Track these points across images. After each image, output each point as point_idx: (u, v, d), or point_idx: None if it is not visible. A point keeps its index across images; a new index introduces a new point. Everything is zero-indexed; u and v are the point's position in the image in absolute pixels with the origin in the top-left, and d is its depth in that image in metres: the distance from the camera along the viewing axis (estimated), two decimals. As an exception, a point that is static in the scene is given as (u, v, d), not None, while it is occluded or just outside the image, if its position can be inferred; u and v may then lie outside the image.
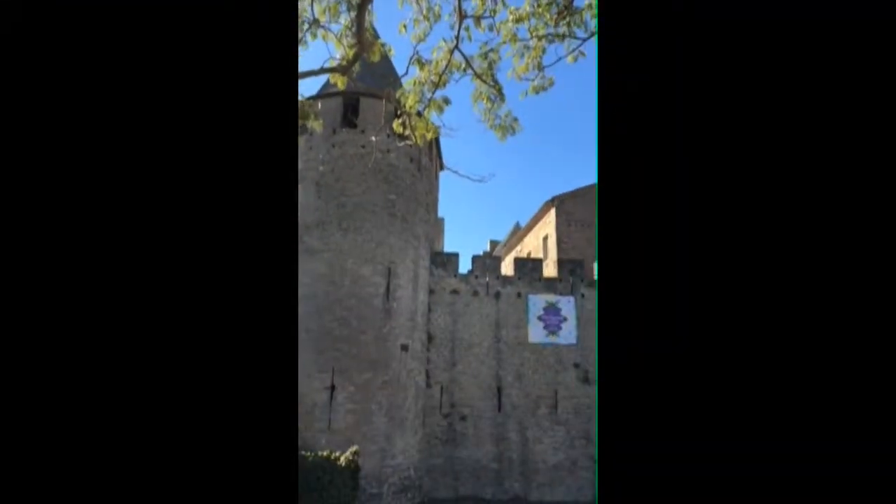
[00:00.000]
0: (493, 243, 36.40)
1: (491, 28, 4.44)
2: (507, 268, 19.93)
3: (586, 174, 76.79)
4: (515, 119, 5.15)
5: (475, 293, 17.40)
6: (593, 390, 16.97)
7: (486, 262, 18.05)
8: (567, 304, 17.62)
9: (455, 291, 17.31)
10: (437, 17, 4.21)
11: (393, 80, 13.49)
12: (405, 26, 4.30)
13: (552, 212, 21.00)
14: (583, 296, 17.77)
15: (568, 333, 17.36)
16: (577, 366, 17.09)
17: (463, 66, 4.60)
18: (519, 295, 17.49)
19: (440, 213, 21.78)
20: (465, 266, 17.66)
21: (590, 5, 4.27)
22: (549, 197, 22.06)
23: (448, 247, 28.83)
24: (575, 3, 4.33)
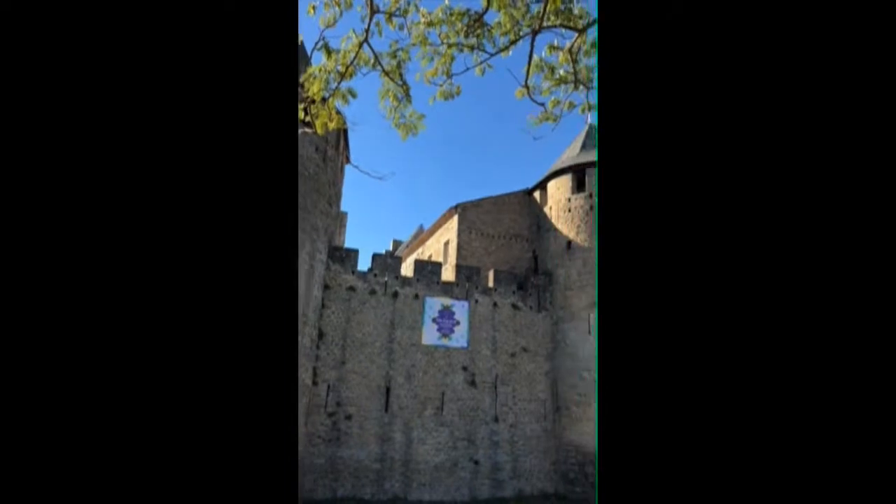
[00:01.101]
0: (396, 243, 36.34)
1: (402, 28, 4.41)
2: (407, 269, 19.98)
3: (492, 185, 79.49)
4: (420, 117, 5.16)
5: (373, 292, 17.21)
6: (478, 393, 17.55)
7: (388, 262, 17.95)
8: (461, 309, 18.06)
9: (352, 288, 16.99)
10: (349, 6, 4.09)
11: (302, 63, 12.93)
12: (314, 8, 4.14)
13: (455, 218, 21.45)
14: (476, 301, 18.33)
15: (460, 337, 17.79)
16: (465, 369, 17.57)
17: (372, 61, 4.53)
18: (416, 296, 17.60)
19: (345, 208, 21.26)
20: (364, 264, 17.38)
21: (499, 23, 4.40)
22: (454, 203, 22.51)
23: (349, 243, 28.14)
24: (485, 18, 4.44)
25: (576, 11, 4.37)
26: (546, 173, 21.50)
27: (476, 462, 16.80)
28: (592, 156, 20.41)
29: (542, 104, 5.08)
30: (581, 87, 5.00)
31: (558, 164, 21.32)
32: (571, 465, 17.43)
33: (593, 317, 18.36)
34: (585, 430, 17.47)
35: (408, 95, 4.96)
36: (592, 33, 4.80)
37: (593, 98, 5.10)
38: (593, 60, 4.90)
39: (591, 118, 19.41)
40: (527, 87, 4.89)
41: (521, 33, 4.45)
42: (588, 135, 21.74)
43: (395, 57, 4.44)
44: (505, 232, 21.54)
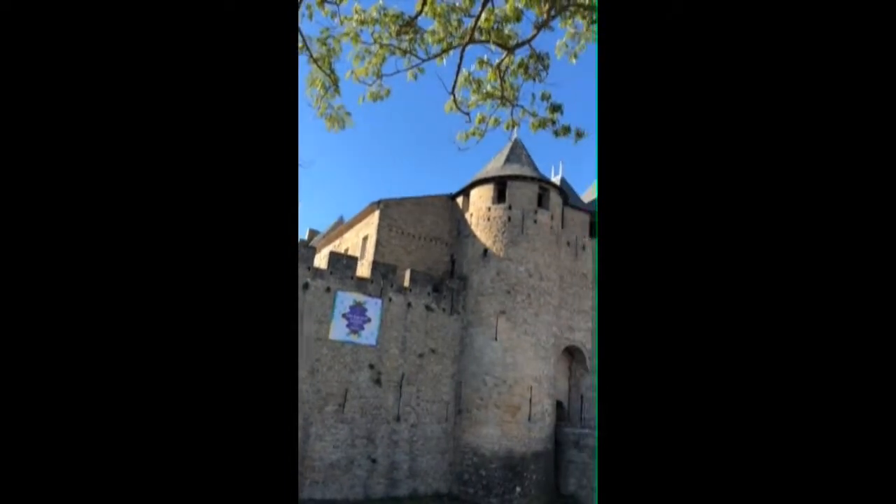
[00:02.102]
0: (313, 232, 35.29)
1: (334, 16, 4.34)
2: (321, 260, 19.48)
3: (415, 189, 79.69)
4: (348, 113, 5.10)
5: (282, 281, 16.59)
6: (383, 392, 17.52)
7: (301, 252, 17.40)
8: (374, 306, 17.93)
9: (260, 276, 16.27)
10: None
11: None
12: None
13: (376, 214, 21.27)
14: (390, 300, 18.29)
15: (369, 334, 17.65)
16: (371, 367, 17.45)
17: (300, 45, 4.41)
18: (328, 289, 17.23)
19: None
20: (276, 251, 16.69)
21: (433, 31, 4.47)
22: (376, 199, 22.30)
23: (263, 228, 26.86)
24: (420, 24, 4.49)
25: (506, 32, 4.55)
26: (470, 181, 21.97)
27: (374, 461, 16.74)
28: (515, 170, 21.17)
29: (468, 113, 5.22)
30: (507, 103, 5.21)
31: (482, 174, 21.88)
32: (467, 467, 17.91)
33: (501, 323, 19.02)
34: (483, 433, 18.03)
35: (336, 86, 4.88)
36: (521, 53, 5.02)
37: (517, 114, 5.34)
38: (520, 79, 5.13)
39: (516, 133, 20.14)
40: (454, 98, 5.01)
41: (453, 44, 4.55)
42: (512, 150, 22.53)
43: (325, 45, 4.35)
44: (426, 233, 21.71)
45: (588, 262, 23.16)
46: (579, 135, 5.16)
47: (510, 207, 20.38)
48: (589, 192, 26.37)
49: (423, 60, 4.77)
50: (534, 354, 19.12)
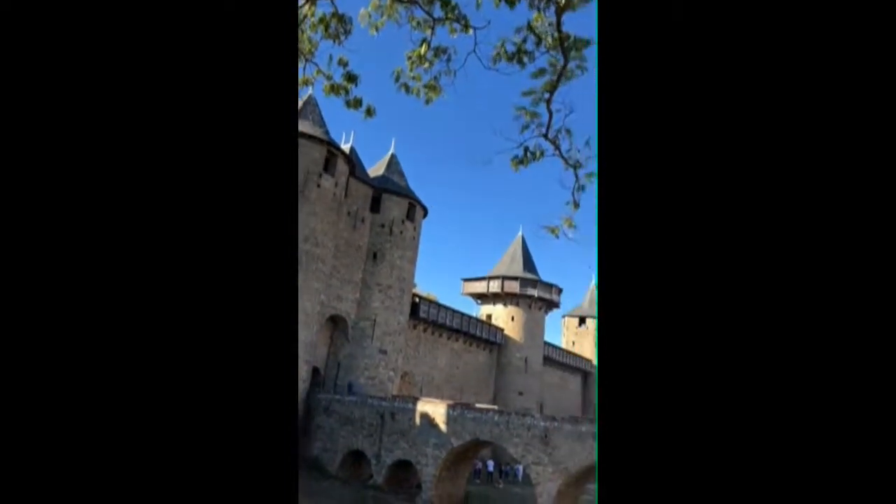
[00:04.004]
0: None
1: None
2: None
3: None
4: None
5: None
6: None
7: None
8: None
9: None
10: None
11: None
12: None
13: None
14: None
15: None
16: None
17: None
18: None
19: None
20: None
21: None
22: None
23: None
24: None
25: None
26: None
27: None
28: (305, 127, 20.13)
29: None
30: (302, 56, 4.82)
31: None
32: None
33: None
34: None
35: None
36: (325, 8, 4.67)
37: (311, 72, 4.98)
38: (320, 35, 4.79)
39: (311, 90, 19.13)
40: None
41: None
42: (304, 106, 21.39)
43: None
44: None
45: (365, 236, 23.64)
46: (370, 112, 5.10)
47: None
48: (377, 167, 26.80)
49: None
50: (297, 320, 18.71)
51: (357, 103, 5.00)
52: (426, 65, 4.89)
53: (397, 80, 5.05)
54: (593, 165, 5.93)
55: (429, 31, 4.77)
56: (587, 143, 5.54)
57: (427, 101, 5.14)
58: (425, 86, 5.04)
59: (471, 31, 4.76)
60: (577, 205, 5.85)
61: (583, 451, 16.14)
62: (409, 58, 4.95)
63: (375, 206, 24.18)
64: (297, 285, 2.71)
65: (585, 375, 44.29)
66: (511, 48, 4.82)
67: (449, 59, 4.96)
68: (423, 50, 4.81)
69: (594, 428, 16.39)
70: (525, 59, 4.82)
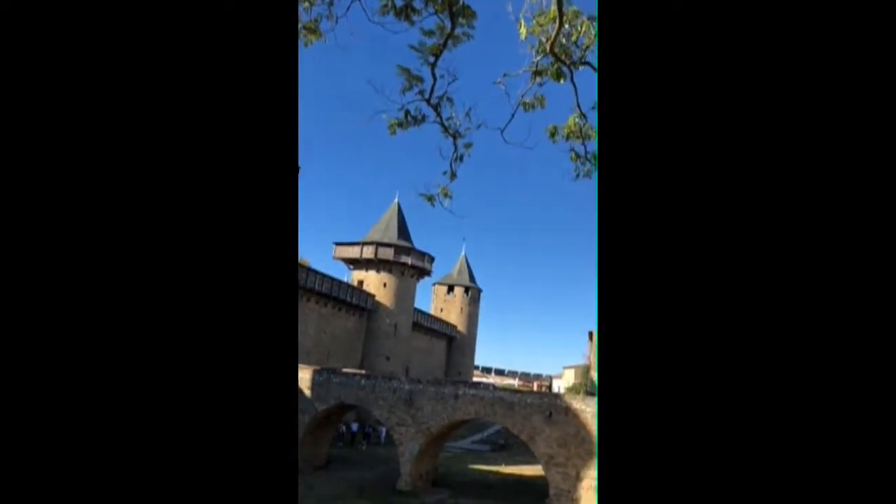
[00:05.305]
0: None
1: None
2: None
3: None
4: None
5: None
6: None
7: None
8: None
9: None
10: None
11: None
12: None
13: None
14: None
15: None
16: None
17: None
18: None
19: None
20: None
21: None
22: None
23: None
24: None
25: None
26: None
27: None
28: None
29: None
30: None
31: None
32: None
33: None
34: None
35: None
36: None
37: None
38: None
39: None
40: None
41: None
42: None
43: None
44: None
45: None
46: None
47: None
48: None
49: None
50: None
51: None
52: (305, 3, 4.49)
53: None
54: (472, 136, 5.58)
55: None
56: (468, 113, 5.52)
57: (306, 44, 4.76)
58: (304, 26, 4.65)
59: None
60: (454, 175, 5.91)
61: (444, 411, 17.01)
62: None
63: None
64: (298, 284, 2.55)
65: (450, 340, 46.52)
66: (400, 2, 4.61)
67: (331, 4, 4.61)
68: None
69: (456, 389, 17.33)
70: (413, 17, 4.66)
